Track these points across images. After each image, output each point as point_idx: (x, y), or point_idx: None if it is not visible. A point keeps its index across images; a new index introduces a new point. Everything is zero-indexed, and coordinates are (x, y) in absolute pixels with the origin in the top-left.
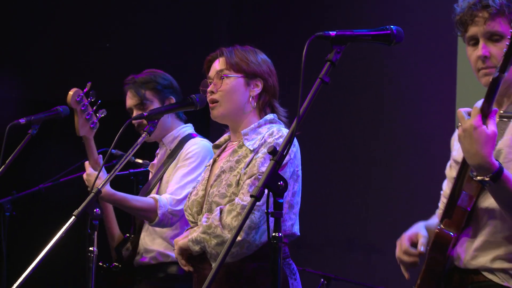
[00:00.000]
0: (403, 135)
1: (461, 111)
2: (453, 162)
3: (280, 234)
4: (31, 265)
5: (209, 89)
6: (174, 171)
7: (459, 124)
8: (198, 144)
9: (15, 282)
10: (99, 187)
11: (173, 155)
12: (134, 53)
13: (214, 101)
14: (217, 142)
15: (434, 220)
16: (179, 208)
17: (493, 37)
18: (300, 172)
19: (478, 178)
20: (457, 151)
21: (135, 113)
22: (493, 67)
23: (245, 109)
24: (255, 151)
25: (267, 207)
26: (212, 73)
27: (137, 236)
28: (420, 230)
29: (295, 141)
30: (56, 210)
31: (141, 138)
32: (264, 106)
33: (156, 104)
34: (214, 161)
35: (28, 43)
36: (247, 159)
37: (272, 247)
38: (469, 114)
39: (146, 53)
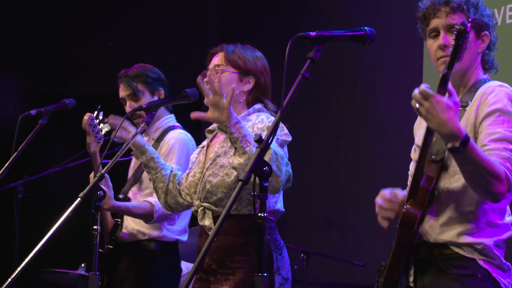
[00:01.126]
0: (375, 121)
1: (417, 91)
2: (416, 146)
3: (265, 214)
4: (41, 241)
5: (205, 79)
6: None
7: (417, 105)
8: (175, 138)
9: (26, 257)
10: (103, 172)
11: (156, 145)
12: (130, 49)
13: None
14: (210, 128)
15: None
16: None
17: (452, 29)
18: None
19: (449, 146)
20: (418, 137)
21: (128, 103)
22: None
23: (237, 101)
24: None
25: (253, 190)
26: (211, 65)
27: (122, 219)
28: (398, 189)
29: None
30: (63, 192)
31: (140, 128)
32: (253, 100)
33: (147, 95)
34: (208, 146)
35: (31, 40)
36: None
37: (257, 226)
38: (423, 94)
39: (141, 49)
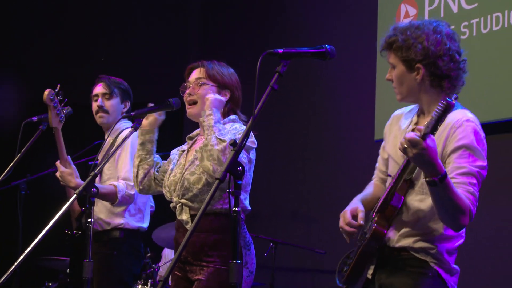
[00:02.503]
0: (335, 125)
1: (407, 139)
2: (383, 150)
3: (239, 208)
4: (41, 233)
5: (187, 91)
6: (116, 157)
7: (405, 146)
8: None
9: (28, 246)
10: (96, 171)
11: (113, 144)
12: (120, 64)
13: (193, 102)
14: (190, 135)
15: (369, 189)
16: (133, 192)
17: (392, 66)
18: (254, 160)
19: (428, 179)
20: (390, 146)
21: (100, 99)
22: (394, 88)
23: None
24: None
25: (229, 187)
26: (192, 78)
27: (90, 209)
28: (358, 206)
29: (253, 138)
30: (61, 190)
31: (128, 133)
32: (228, 111)
33: (117, 99)
34: (188, 150)
35: (33, 54)
36: None
37: (232, 219)
38: (412, 142)
39: (129, 63)
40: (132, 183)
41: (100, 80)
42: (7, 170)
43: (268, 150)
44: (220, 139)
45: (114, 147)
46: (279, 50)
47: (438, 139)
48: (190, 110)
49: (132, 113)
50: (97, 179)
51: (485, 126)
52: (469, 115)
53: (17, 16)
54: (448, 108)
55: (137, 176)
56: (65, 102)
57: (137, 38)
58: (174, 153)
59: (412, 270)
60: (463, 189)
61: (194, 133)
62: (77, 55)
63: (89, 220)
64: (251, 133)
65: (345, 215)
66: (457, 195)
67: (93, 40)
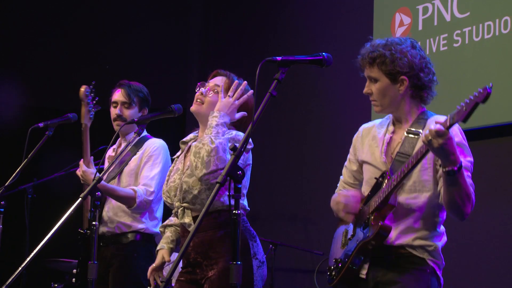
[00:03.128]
0: (331, 129)
1: (433, 131)
2: (354, 159)
3: (239, 211)
4: (47, 235)
5: (202, 90)
6: (142, 165)
7: (430, 138)
8: (158, 143)
9: (35, 248)
10: (101, 175)
11: (133, 151)
12: (124, 71)
13: (200, 101)
14: (184, 140)
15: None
16: (151, 198)
17: (372, 80)
18: (250, 164)
19: (448, 169)
20: (366, 154)
21: (119, 106)
22: (374, 100)
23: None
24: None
25: (229, 191)
26: (212, 82)
27: (101, 210)
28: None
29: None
30: (67, 193)
31: (132, 138)
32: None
33: (136, 108)
34: (185, 156)
35: (39, 62)
36: None
37: (232, 221)
38: (437, 133)
39: (133, 70)
40: (151, 190)
41: (120, 86)
42: (14, 174)
43: (268, 153)
44: (212, 140)
45: (121, 153)
46: (277, 57)
47: (417, 146)
48: (193, 107)
49: (135, 119)
50: (116, 182)
51: (477, 131)
52: None
53: (19, 20)
54: (487, 97)
55: None
56: (96, 100)
57: (139, 43)
58: (171, 166)
59: (411, 267)
60: None
61: (188, 138)
62: (80, 60)
63: (94, 223)
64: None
65: (344, 194)
66: (468, 184)
67: (96, 45)
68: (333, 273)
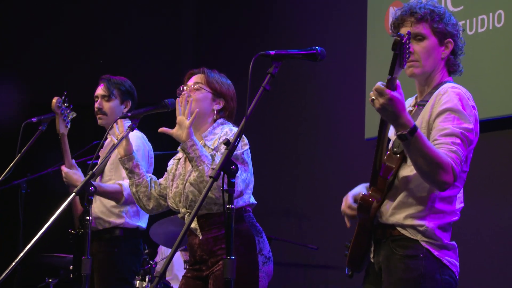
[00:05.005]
0: (325, 125)
1: (372, 94)
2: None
3: (233, 206)
4: (41, 230)
5: (184, 93)
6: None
7: (373, 97)
8: (132, 137)
9: (29, 243)
10: (94, 170)
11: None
12: (117, 65)
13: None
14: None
15: None
16: None
17: (417, 37)
18: (250, 161)
19: (398, 133)
20: (390, 130)
21: (99, 100)
22: (415, 61)
23: (207, 117)
24: (215, 149)
25: (222, 185)
26: (190, 82)
27: (88, 207)
28: (362, 190)
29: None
30: (60, 188)
31: (125, 133)
32: (219, 119)
33: (116, 101)
34: (185, 160)
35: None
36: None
37: (227, 216)
38: (378, 91)
39: (126, 65)
40: None
41: (101, 80)
42: (7, 169)
43: (261, 148)
44: (213, 168)
45: (112, 148)
46: (271, 52)
47: (425, 109)
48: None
49: (129, 114)
50: (98, 179)
51: None
52: (456, 85)
53: (16, 17)
54: (398, 43)
55: (140, 201)
56: (71, 108)
57: (132, 38)
58: (171, 163)
59: (403, 254)
60: (445, 149)
61: None
62: (75, 56)
63: (87, 218)
64: (243, 135)
65: (347, 198)
66: (433, 150)
67: (91, 41)
68: (346, 252)
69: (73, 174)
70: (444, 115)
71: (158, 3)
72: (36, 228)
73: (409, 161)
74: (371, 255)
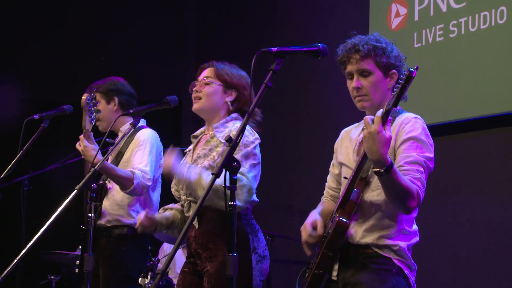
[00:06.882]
0: (328, 121)
1: (367, 118)
2: (336, 162)
3: (234, 203)
4: (43, 227)
5: (195, 88)
6: (133, 153)
7: (365, 127)
8: (148, 132)
9: (31, 240)
10: (96, 167)
11: (128, 142)
12: (119, 63)
13: (198, 98)
14: (195, 134)
15: (322, 205)
16: (148, 184)
17: (363, 73)
18: (259, 155)
19: (376, 170)
20: (342, 156)
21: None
22: (364, 95)
23: (219, 110)
24: (225, 143)
25: (225, 182)
26: (201, 77)
27: (100, 204)
28: (317, 217)
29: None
30: (62, 185)
31: (127, 129)
32: (235, 110)
33: (102, 103)
34: (194, 149)
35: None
36: (219, 149)
37: (228, 213)
38: (372, 120)
39: (128, 62)
40: (148, 176)
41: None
42: (9, 166)
43: (263, 145)
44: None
45: (117, 145)
46: (273, 48)
47: None
48: (194, 105)
49: (131, 111)
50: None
51: (474, 122)
52: (417, 116)
53: (17, 15)
54: (410, 77)
55: None
56: (97, 105)
57: (135, 37)
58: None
59: (377, 268)
60: (411, 176)
61: (199, 131)
62: (76, 54)
63: (89, 215)
64: (253, 130)
65: (306, 227)
66: (404, 182)
67: (92, 39)
68: (306, 274)
69: (92, 149)
70: (409, 143)
71: (160, 1)
72: (38, 225)
73: (372, 185)
74: (334, 273)
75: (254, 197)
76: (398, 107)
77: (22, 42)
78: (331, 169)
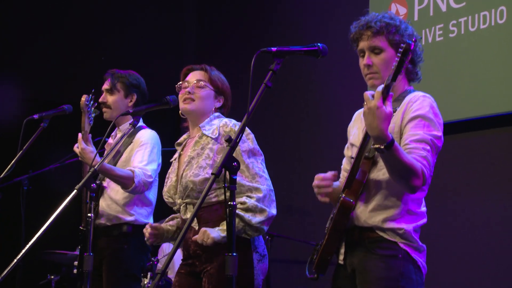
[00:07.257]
0: (327, 120)
1: (367, 93)
2: (349, 145)
3: (234, 202)
4: (43, 227)
5: (187, 89)
6: (134, 153)
7: (365, 103)
8: (149, 132)
9: (31, 240)
10: (96, 167)
11: (128, 142)
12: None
13: (190, 99)
14: (178, 141)
15: (338, 183)
16: (150, 180)
17: (375, 50)
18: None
19: (376, 146)
20: (353, 136)
21: (104, 94)
22: (375, 73)
23: (207, 113)
24: (218, 141)
25: (224, 182)
26: (191, 78)
27: (97, 203)
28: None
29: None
30: (62, 185)
31: (127, 129)
32: (216, 112)
33: (120, 95)
34: (180, 155)
35: (34, 54)
36: (212, 146)
37: (228, 213)
38: (372, 96)
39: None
40: (149, 173)
41: (106, 75)
42: (9, 166)
43: (263, 145)
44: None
45: (116, 144)
46: (272, 48)
47: (396, 115)
48: (186, 106)
49: (130, 111)
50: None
51: (473, 121)
52: (426, 94)
53: (17, 15)
54: (407, 49)
55: None
56: (95, 105)
57: (135, 37)
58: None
59: (383, 254)
60: (416, 154)
61: (182, 138)
62: (76, 54)
63: (89, 215)
64: (249, 132)
65: (317, 176)
66: (406, 159)
67: (92, 39)
68: (314, 256)
69: (90, 152)
70: (416, 121)
71: (160, 1)
72: (38, 225)
73: (379, 165)
74: (341, 257)
75: (273, 210)
76: (410, 87)
77: (22, 42)
78: (345, 150)
